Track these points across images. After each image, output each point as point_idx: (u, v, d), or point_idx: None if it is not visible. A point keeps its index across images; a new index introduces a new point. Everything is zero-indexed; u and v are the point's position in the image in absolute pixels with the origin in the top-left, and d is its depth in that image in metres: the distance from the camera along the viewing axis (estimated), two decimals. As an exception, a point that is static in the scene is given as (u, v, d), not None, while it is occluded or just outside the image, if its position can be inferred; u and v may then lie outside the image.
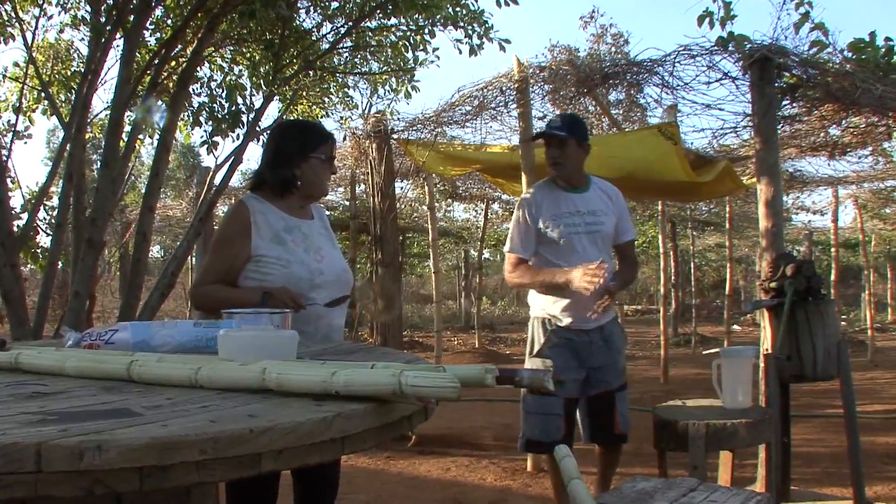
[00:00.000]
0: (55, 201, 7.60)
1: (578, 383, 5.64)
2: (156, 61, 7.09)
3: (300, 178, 4.23)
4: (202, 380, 2.18)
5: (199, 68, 7.63)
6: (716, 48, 7.15)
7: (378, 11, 7.53)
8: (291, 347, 2.53)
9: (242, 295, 3.91)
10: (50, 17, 8.15)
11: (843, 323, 22.52)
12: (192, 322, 3.00)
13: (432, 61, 8.41)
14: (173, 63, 7.43)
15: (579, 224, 5.59)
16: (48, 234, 7.93)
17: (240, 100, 7.70)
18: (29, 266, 8.25)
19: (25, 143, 9.65)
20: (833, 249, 19.93)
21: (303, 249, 4.10)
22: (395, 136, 10.56)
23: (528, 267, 5.76)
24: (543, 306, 5.74)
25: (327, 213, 17.37)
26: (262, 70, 7.93)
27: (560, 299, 5.60)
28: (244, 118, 7.48)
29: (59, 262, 7.75)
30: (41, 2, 7.74)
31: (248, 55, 8.17)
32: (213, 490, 2.43)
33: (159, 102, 7.09)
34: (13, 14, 7.64)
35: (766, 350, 5.97)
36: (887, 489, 7.09)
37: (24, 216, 7.30)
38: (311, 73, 8.25)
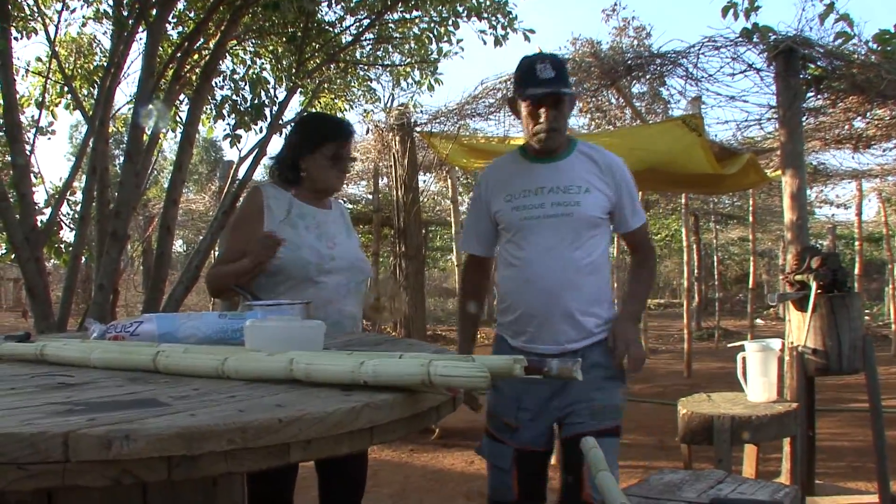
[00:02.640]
0: (78, 196, 7.62)
1: (543, 428, 4.14)
2: (178, 54, 7.10)
3: (305, 170, 4.29)
4: (229, 370, 2.18)
5: (221, 61, 7.63)
6: (740, 39, 7.13)
7: (401, 3, 7.52)
8: (318, 338, 2.53)
9: (237, 265, 4.01)
10: (72, 11, 8.16)
11: (866, 317, 22.41)
12: (216, 314, 3.00)
13: (456, 53, 8.41)
14: (196, 56, 7.43)
15: (539, 205, 4.10)
16: (71, 229, 7.96)
17: (263, 93, 7.70)
18: (53, 261, 8.27)
19: (49, 138, 9.71)
20: (857, 243, 19.87)
21: (315, 236, 4.15)
22: (418, 128, 10.57)
23: (474, 269, 4.56)
24: (502, 319, 4.38)
25: (350, 205, 17.34)
26: (284, 63, 7.93)
27: (506, 303, 4.28)
28: (267, 111, 7.49)
29: (83, 257, 7.77)
30: (64, -5, 7.76)
31: (271, 48, 8.17)
32: (239, 480, 2.42)
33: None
34: (36, 8, 7.65)
35: (791, 343, 5.94)
36: (913, 483, 7.06)
37: (48, 211, 7.32)
38: (333, 65, 8.25)
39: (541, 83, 3.94)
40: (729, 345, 7.42)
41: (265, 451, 1.65)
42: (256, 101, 7.61)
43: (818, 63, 7.39)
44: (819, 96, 8.14)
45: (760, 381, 5.84)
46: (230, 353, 2.24)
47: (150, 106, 6.50)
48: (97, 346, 2.60)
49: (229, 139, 7.53)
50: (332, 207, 4.46)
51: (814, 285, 5.58)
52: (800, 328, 5.74)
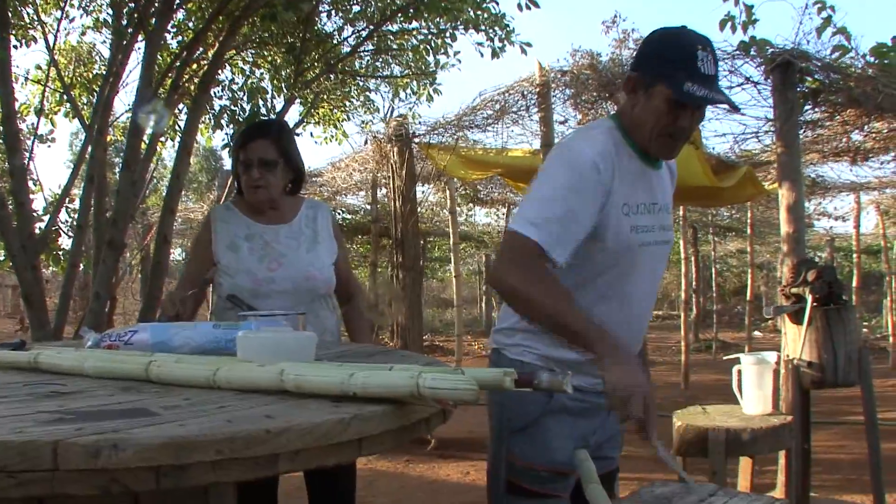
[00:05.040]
0: (77, 204, 7.64)
1: None
2: (177, 64, 7.12)
3: (241, 182, 4.15)
4: (220, 381, 2.19)
5: (220, 71, 7.65)
6: (738, 52, 7.14)
7: (399, 15, 7.54)
8: (310, 349, 2.53)
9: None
10: (72, 20, 8.21)
11: (864, 330, 22.44)
12: (211, 324, 3.00)
13: (453, 65, 8.44)
14: (195, 66, 7.45)
15: (651, 228, 3.15)
16: (69, 237, 7.97)
17: (261, 102, 7.73)
18: (51, 269, 8.28)
19: (49, 146, 9.73)
20: (855, 256, 19.86)
21: (258, 258, 4.01)
22: (416, 139, 10.58)
23: (554, 280, 2.90)
24: (539, 345, 3.17)
25: (348, 216, 17.30)
26: (283, 73, 7.95)
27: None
28: (265, 121, 7.51)
29: (81, 265, 7.79)
30: (63, 4, 7.78)
31: (270, 58, 8.20)
32: (231, 490, 2.43)
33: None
34: (35, 17, 7.68)
35: (787, 356, 5.95)
36: (909, 497, 7.06)
37: (47, 219, 7.33)
38: (332, 76, 8.27)
39: (705, 81, 2.93)
40: (724, 357, 7.43)
41: (253, 462, 1.66)
42: (254, 111, 7.63)
43: (815, 76, 7.40)
44: (816, 109, 8.15)
45: (756, 393, 5.85)
46: (222, 364, 2.26)
47: (150, 106, 6.51)
48: (91, 354, 2.61)
49: (228, 149, 7.55)
50: (293, 220, 4.21)
51: (809, 298, 5.58)
52: (795, 341, 5.75)
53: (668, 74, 2.94)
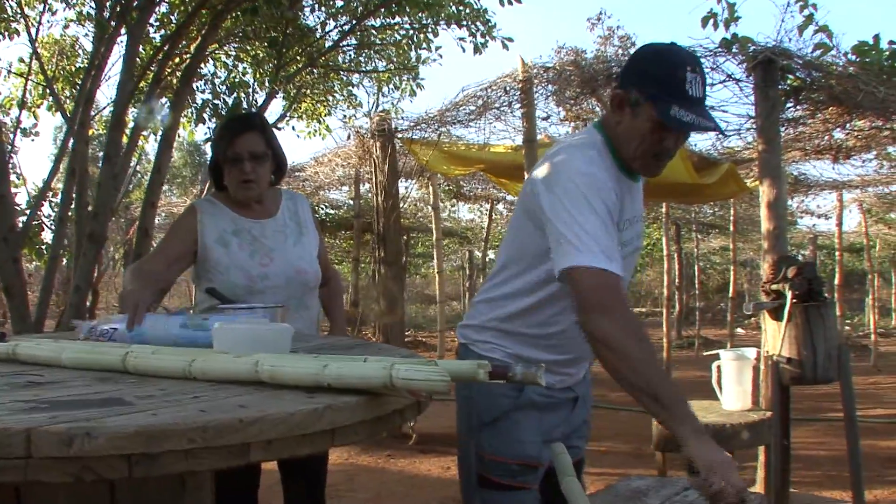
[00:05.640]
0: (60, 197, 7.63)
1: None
2: (159, 57, 7.11)
3: (225, 178, 4.05)
4: (196, 372, 2.20)
5: (202, 65, 7.64)
6: (720, 50, 7.15)
7: (382, 9, 7.54)
8: (286, 341, 2.54)
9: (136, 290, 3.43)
10: (54, 13, 8.20)
11: (847, 327, 22.51)
12: (184, 317, 2.99)
13: (435, 59, 8.46)
14: (177, 59, 7.45)
15: (632, 240, 3.25)
16: (52, 230, 7.96)
17: (243, 96, 7.72)
18: (34, 263, 8.28)
19: (32, 139, 9.70)
20: (837, 253, 19.90)
21: (248, 254, 3.96)
22: (399, 135, 10.58)
23: (646, 335, 2.82)
24: (508, 343, 3.22)
25: (331, 210, 17.26)
26: (265, 67, 7.95)
27: (552, 341, 3.17)
28: (246, 115, 7.52)
29: (64, 258, 7.78)
30: (46, -3, 7.77)
31: (252, 52, 8.19)
32: (207, 479, 2.44)
33: (163, 100, 7.09)
34: (18, 10, 7.67)
35: (767, 352, 5.97)
36: (887, 493, 7.10)
37: (29, 212, 7.33)
38: (314, 70, 8.27)
39: (693, 105, 2.90)
40: (704, 353, 7.45)
41: (225, 451, 1.67)
42: (236, 105, 7.63)
43: (797, 74, 7.43)
44: (798, 107, 8.18)
45: (735, 389, 5.88)
46: (198, 355, 2.26)
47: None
48: (68, 346, 2.61)
49: (210, 143, 7.55)
50: (277, 213, 4.18)
51: (789, 295, 5.59)
52: (775, 337, 5.75)
53: (656, 96, 2.90)
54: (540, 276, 3.03)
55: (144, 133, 8.10)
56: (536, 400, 3.12)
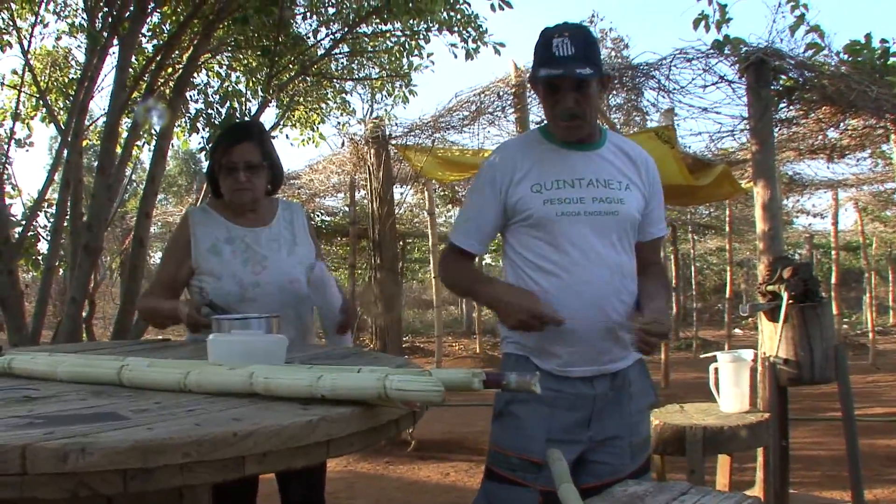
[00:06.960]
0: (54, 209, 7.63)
1: (569, 460, 3.06)
2: (152, 67, 7.11)
3: (221, 186, 4.07)
4: (191, 384, 2.20)
5: (196, 74, 7.64)
6: (712, 51, 7.15)
7: (374, 16, 7.54)
8: (280, 352, 2.55)
9: (169, 309, 3.86)
10: (46, 25, 8.22)
11: (844, 326, 22.49)
12: None
13: (427, 66, 8.45)
14: (169, 69, 7.45)
15: (578, 199, 3.36)
16: (48, 241, 7.96)
17: (237, 105, 7.72)
18: (31, 273, 8.28)
19: (27, 150, 9.72)
20: (834, 252, 19.89)
21: (241, 262, 3.97)
22: (393, 141, 10.57)
23: (469, 266, 3.76)
24: (515, 336, 3.50)
25: (327, 217, 17.24)
26: (258, 76, 7.95)
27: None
28: (240, 124, 7.52)
29: (61, 269, 7.78)
30: (38, 9, 7.76)
31: (245, 61, 8.19)
32: (205, 493, 2.43)
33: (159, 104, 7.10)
34: (10, 22, 7.66)
35: (764, 353, 5.96)
36: (888, 492, 7.09)
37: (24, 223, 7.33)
38: (307, 78, 8.27)
39: (558, 62, 3.19)
40: (702, 355, 7.46)
41: (221, 464, 1.68)
42: (230, 114, 7.63)
43: (789, 74, 7.42)
44: (791, 107, 8.18)
45: (733, 391, 5.86)
46: (193, 368, 2.26)
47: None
48: (64, 359, 2.61)
49: (204, 152, 7.55)
50: (272, 222, 4.19)
51: (785, 295, 5.59)
52: (772, 338, 5.75)
53: (534, 67, 3.34)
54: None
55: (139, 143, 8.09)
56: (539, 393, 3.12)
